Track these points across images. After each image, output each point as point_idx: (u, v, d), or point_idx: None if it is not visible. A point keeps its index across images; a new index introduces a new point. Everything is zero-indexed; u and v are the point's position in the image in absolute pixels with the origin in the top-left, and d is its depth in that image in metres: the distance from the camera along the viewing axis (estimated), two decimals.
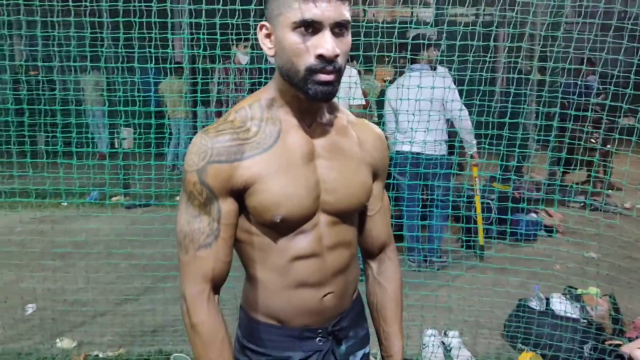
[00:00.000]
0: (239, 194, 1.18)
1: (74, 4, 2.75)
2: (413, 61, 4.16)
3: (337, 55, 1.10)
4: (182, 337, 3.18)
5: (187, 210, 1.19)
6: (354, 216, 1.32)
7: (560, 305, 3.15)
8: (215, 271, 1.19)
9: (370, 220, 1.39)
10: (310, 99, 1.14)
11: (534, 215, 5.15)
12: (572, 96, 3.72)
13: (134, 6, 2.68)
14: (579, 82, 4.18)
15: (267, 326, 1.27)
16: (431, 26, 3.08)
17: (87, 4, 2.75)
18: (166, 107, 7.22)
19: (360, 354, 1.40)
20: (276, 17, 1.12)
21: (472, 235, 4.50)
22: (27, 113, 3.08)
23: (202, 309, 1.18)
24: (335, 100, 1.28)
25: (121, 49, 2.84)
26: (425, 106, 3.67)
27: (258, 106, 1.21)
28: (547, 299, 3.26)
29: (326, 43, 1.08)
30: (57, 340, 3.30)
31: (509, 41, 3.21)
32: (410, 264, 4.34)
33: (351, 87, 3.97)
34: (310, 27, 1.08)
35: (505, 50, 3.43)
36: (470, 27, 2.99)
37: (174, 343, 3.25)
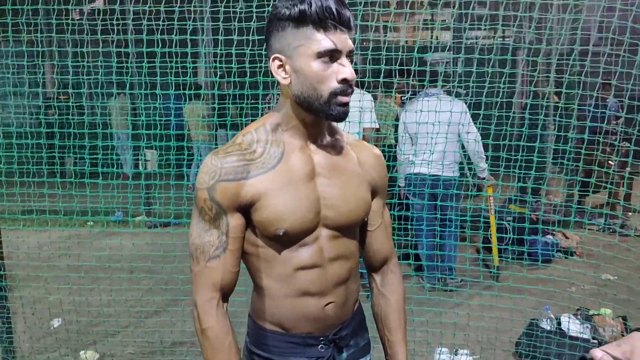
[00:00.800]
0: (246, 209, 1.29)
1: (103, 36, 2.96)
2: (424, 86, 4.28)
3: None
4: (199, 351, 3.29)
5: (199, 224, 1.30)
6: (354, 230, 1.41)
7: (570, 325, 3.18)
8: (224, 281, 1.30)
9: (372, 235, 1.48)
10: (331, 119, 1.27)
11: (549, 237, 5.16)
12: (587, 120, 3.75)
13: (157, 38, 2.87)
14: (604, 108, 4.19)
15: (272, 333, 1.37)
16: (434, 51, 3.18)
17: (115, 36, 2.95)
18: (189, 129, 7.46)
19: None
20: (295, 48, 1.23)
21: (486, 255, 4.55)
22: (58, 136, 3.27)
23: (211, 315, 1.29)
24: (335, 124, 1.40)
25: (145, 76, 3.02)
26: (437, 129, 3.77)
27: (263, 130, 1.33)
28: (558, 319, 3.29)
29: (348, 68, 1.23)
30: (82, 352, 3.45)
31: (528, 65, 3.28)
32: (424, 284, 4.39)
33: (365, 110, 4.09)
34: (332, 55, 1.22)
35: (523, 74, 3.50)
36: (470, 55, 3.09)
37: (191, 356, 3.36)
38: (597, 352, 1.07)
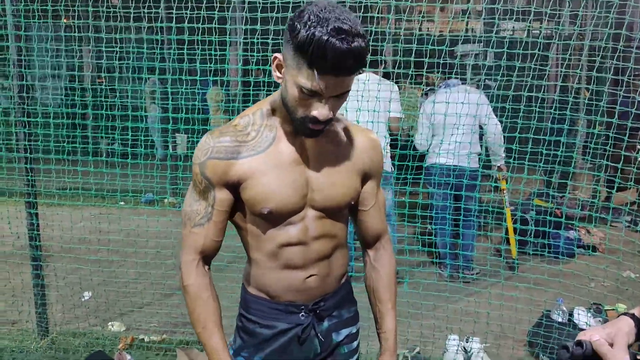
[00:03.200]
0: (234, 187, 1.40)
1: (137, 23, 3.09)
2: (447, 77, 4.31)
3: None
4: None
5: (191, 194, 1.44)
6: (341, 213, 1.50)
7: (581, 317, 3.20)
8: (205, 246, 1.43)
9: (366, 214, 1.57)
10: (299, 134, 1.36)
11: (572, 232, 5.13)
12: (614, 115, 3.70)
13: (188, 25, 3.00)
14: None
15: (258, 299, 1.50)
16: (463, 43, 3.19)
17: (146, 23, 3.08)
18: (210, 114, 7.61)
19: (344, 332, 1.59)
20: (288, 64, 1.25)
21: (504, 249, 4.56)
22: (92, 117, 3.43)
23: (192, 273, 1.43)
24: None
25: (173, 62, 3.14)
26: (461, 120, 3.80)
27: (260, 114, 1.42)
28: (571, 312, 3.32)
29: (322, 109, 1.26)
30: (109, 323, 3.64)
31: (558, 60, 3.25)
32: (441, 274, 4.45)
33: (390, 101, 4.15)
34: (313, 94, 1.24)
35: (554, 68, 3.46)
36: (500, 49, 3.10)
37: None
38: (584, 336, 1.11)
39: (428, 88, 5.05)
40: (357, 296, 1.67)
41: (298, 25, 1.19)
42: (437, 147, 4.31)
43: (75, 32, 3.17)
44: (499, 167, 4.42)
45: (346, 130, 1.50)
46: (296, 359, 1.52)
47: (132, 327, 3.64)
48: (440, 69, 3.21)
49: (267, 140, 1.39)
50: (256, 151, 1.38)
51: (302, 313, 1.49)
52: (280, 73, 1.32)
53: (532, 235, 4.44)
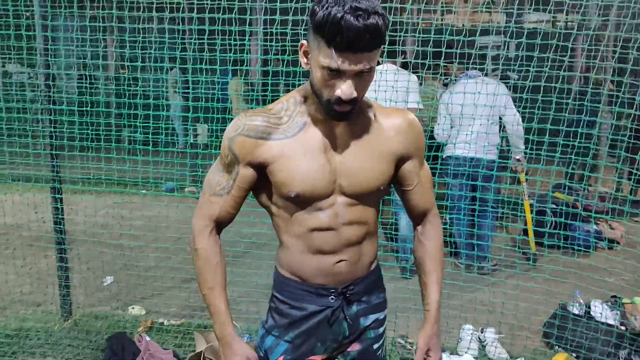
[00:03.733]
0: (259, 167, 1.44)
1: (159, 13, 3.15)
2: (467, 68, 4.29)
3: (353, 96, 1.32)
4: (235, 315, 3.49)
5: (217, 165, 1.50)
6: (372, 198, 1.52)
7: (597, 309, 3.20)
8: (220, 215, 1.50)
9: (411, 192, 1.59)
10: (327, 117, 1.40)
11: (594, 226, 5.08)
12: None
13: (209, 15, 3.04)
14: None
15: (290, 281, 1.55)
16: (482, 34, 3.16)
17: (168, 14, 3.13)
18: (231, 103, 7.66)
19: (372, 317, 1.62)
20: (312, 48, 1.32)
21: (521, 242, 4.55)
22: (115, 106, 3.49)
23: (204, 238, 1.50)
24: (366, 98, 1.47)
25: (194, 52, 3.19)
26: (478, 111, 3.79)
27: (293, 101, 1.47)
28: (588, 305, 3.31)
29: (346, 89, 1.30)
30: (130, 307, 3.73)
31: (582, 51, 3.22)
32: (458, 265, 4.45)
33: (410, 91, 4.15)
34: (336, 72, 1.29)
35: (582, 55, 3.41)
36: (519, 39, 3.09)
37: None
38: None
39: (447, 79, 5.03)
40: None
41: (317, 8, 1.26)
42: (455, 138, 4.30)
43: (99, 22, 3.24)
44: (517, 159, 4.39)
45: (379, 115, 1.51)
46: (325, 340, 1.56)
47: (152, 311, 3.73)
48: (458, 59, 3.21)
49: (297, 126, 1.43)
50: (286, 135, 1.42)
51: (332, 296, 1.53)
52: (307, 59, 1.37)
53: (551, 228, 4.41)
